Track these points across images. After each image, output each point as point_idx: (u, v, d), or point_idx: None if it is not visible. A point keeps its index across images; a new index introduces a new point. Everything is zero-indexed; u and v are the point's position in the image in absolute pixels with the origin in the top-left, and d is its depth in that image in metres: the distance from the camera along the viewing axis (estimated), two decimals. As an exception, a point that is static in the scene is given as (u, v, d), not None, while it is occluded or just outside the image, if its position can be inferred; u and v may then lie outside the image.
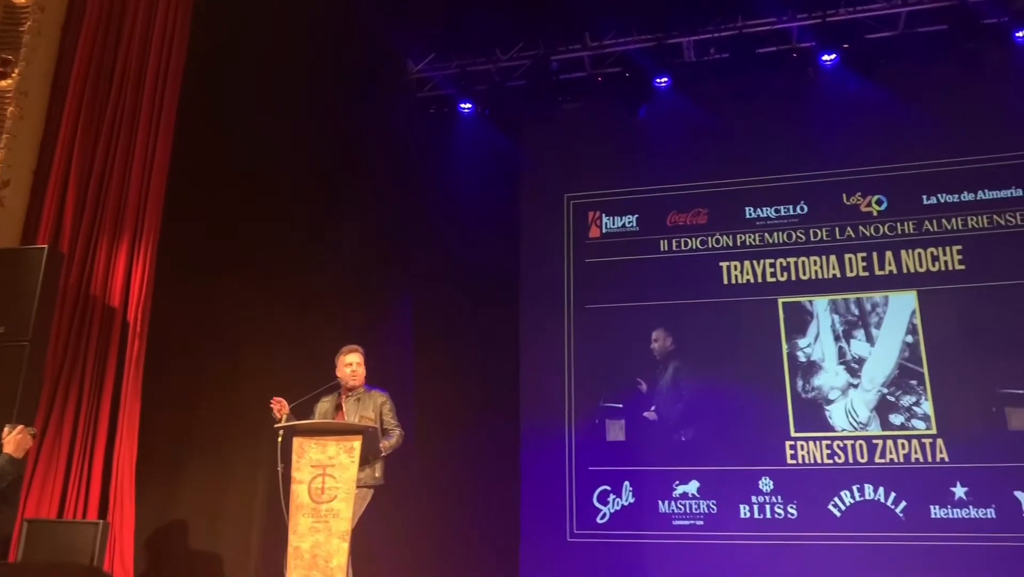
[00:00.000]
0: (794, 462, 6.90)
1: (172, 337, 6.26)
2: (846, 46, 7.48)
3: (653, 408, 7.37)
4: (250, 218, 6.72)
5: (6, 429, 4.17)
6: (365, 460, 4.69)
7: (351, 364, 5.03)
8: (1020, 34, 7.15)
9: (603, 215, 7.89)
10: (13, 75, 6.17)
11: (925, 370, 6.93)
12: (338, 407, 5.06)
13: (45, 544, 4.92)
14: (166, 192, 6.23)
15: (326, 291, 6.85)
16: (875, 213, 7.40)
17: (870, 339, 7.14)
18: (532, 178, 8.19)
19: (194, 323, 6.47)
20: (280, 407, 4.78)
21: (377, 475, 4.93)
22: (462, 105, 8.28)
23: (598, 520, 7.14)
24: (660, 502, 7.06)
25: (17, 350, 5.19)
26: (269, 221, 6.76)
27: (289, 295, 6.71)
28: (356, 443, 4.50)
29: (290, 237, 6.83)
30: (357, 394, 5.05)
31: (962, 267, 7.06)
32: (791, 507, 6.84)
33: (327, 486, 4.43)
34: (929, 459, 6.70)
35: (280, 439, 4.58)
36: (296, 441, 4.58)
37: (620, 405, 7.39)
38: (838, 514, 6.79)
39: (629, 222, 7.82)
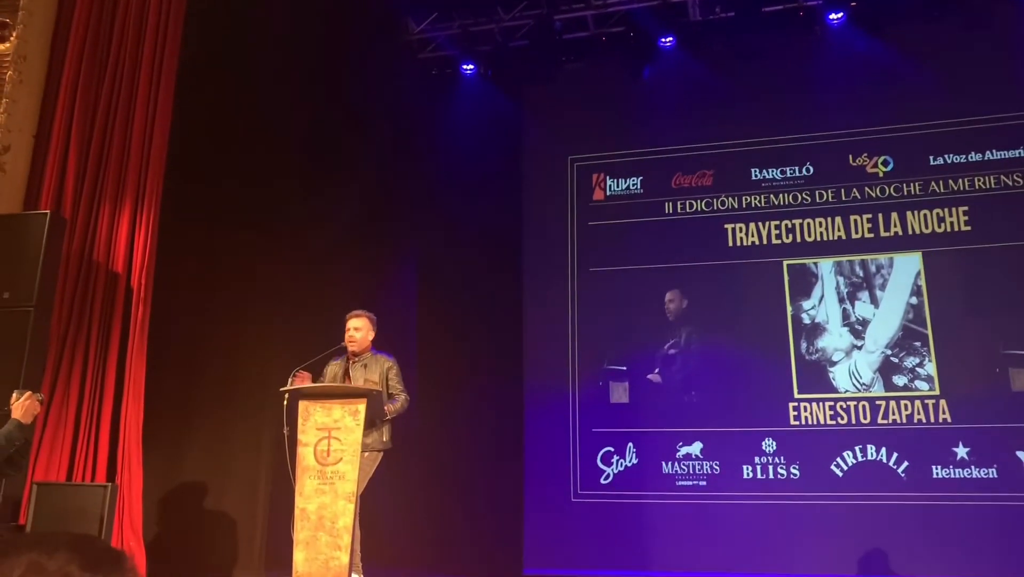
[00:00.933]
0: (797, 423, 6.93)
1: (176, 300, 6.27)
2: (853, 4, 7.39)
3: (657, 370, 7.40)
4: (252, 180, 6.67)
5: (14, 395, 4.19)
6: (371, 423, 4.71)
7: (350, 329, 5.05)
8: (1030, -9, 7.03)
9: (607, 177, 7.85)
10: (11, 39, 6.13)
11: (929, 332, 6.93)
12: (346, 372, 5.08)
13: (54, 507, 4.97)
14: (167, 154, 6.20)
15: (329, 254, 6.83)
16: (881, 174, 7.35)
17: (874, 301, 7.14)
18: (535, 140, 8.13)
19: (198, 285, 6.48)
20: (301, 380, 4.78)
21: (385, 439, 4.95)
22: (464, 66, 8.20)
23: (602, 481, 7.20)
24: (663, 463, 7.10)
25: (22, 316, 5.22)
26: (271, 183, 6.69)
27: (292, 258, 6.68)
28: (360, 406, 4.51)
29: (292, 200, 6.77)
30: (364, 359, 5.06)
31: (968, 228, 7.03)
32: (794, 468, 6.89)
33: (332, 448, 4.45)
34: (932, 420, 6.74)
35: (286, 402, 4.57)
36: (301, 404, 4.59)
37: (624, 368, 7.41)
38: (840, 474, 6.83)
39: (633, 184, 7.78)
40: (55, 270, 5.58)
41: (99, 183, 6.13)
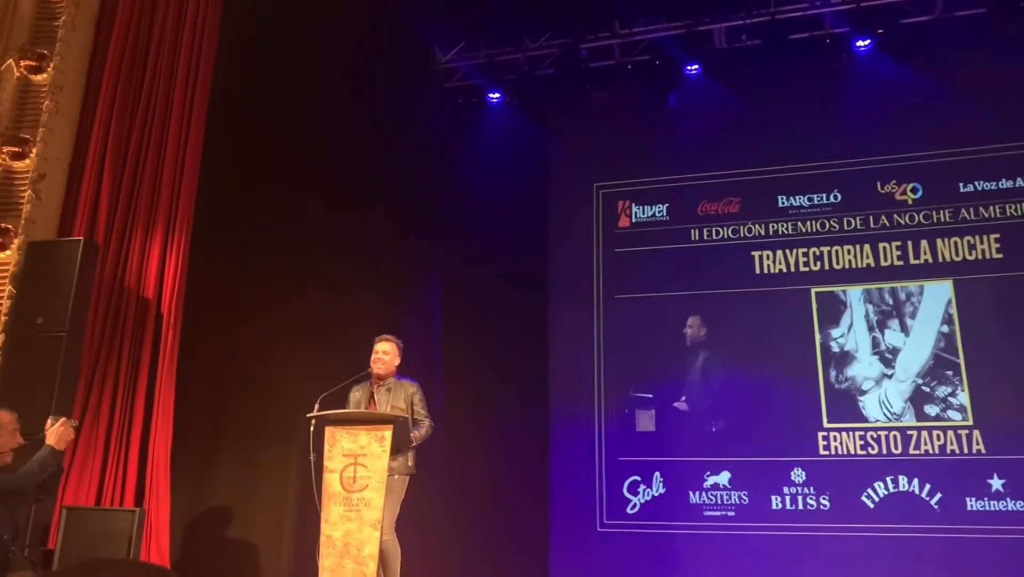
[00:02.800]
0: (827, 453, 6.83)
1: (205, 326, 6.29)
2: (881, 31, 7.33)
3: (684, 398, 7.32)
4: (281, 207, 6.76)
5: (49, 421, 4.24)
6: (397, 449, 4.70)
7: (378, 352, 5.03)
8: (1061, 17, 6.96)
9: (633, 204, 7.84)
10: (49, 69, 6.25)
11: (961, 360, 6.82)
12: (371, 397, 5.06)
13: (84, 531, 4.99)
14: (199, 182, 6.27)
15: (356, 280, 6.85)
16: (910, 201, 7.28)
17: (905, 329, 7.05)
18: (561, 167, 8.13)
19: (227, 311, 6.52)
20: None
21: (410, 464, 4.94)
22: (490, 95, 8.23)
23: (628, 510, 7.13)
24: (691, 493, 7.02)
25: (55, 341, 5.31)
26: (299, 210, 6.78)
27: (320, 284, 6.72)
28: (387, 432, 4.50)
29: (321, 226, 6.83)
30: (388, 384, 5.04)
31: (1000, 256, 6.93)
32: (823, 498, 6.78)
33: (359, 475, 4.44)
34: (965, 450, 6.61)
35: (312, 428, 4.56)
36: (328, 430, 4.58)
37: (650, 395, 7.35)
38: (871, 506, 6.72)
39: (659, 211, 7.76)
40: (88, 296, 5.69)
41: (131, 210, 6.22)
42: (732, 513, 6.88)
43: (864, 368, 7.06)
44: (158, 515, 5.58)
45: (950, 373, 6.85)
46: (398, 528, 4.86)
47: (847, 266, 7.21)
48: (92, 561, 0.92)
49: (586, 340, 7.59)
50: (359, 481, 4.42)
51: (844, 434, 6.86)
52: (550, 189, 8.04)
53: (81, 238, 5.72)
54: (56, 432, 4.16)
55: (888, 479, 6.71)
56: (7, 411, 4.15)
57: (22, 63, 6.23)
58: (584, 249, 7.80)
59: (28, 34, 6.33)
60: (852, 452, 6.79)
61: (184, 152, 6.25)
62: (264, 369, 6.49)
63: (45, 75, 6.24)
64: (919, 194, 7.25)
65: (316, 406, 4.67)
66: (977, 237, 7.02)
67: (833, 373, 7.07)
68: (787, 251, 7.32)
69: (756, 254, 7.46)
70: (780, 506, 6.81)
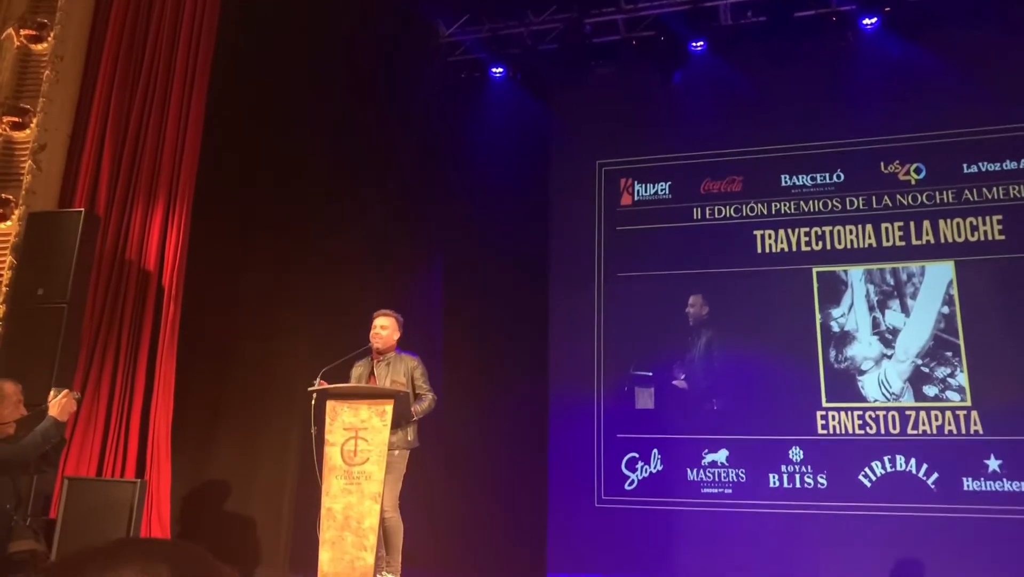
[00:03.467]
0: (825, 432, 6.83)
1: (206, 299, 6.28)
2: (888, 9, 7.26)
3: (683, 377, 7.33)
4: (281, 181, 6.68)
5: (51, 392, 4.24)
6: (397, 424, 4.69)
7: (376, 326, 5.02)
8: (1070, -3, 6.89)
9: (635, 182, 7.79)
10: (49, 39, 6.18)
11: (961, 341, 6.83)
12: (371, 372, 5.06)
13: (85, 501, 5.03)
14: (200, 154, 6.24)
15: (356, 254, 6.80)
16: (913, 182, 7.24)
17: (905, 309, 7.04)
18: (564, 144, 8.07)
19: (228, 285, 6.50)
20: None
21: (410, 438, 4.93)
22: (493, 69, 8.14)
23: (626, 487, 7.15)
24: (689, 470, 7.04)
25: (56, 312, 5.32)
26: (300, 184, 6.68)
27: (320, 258, 6.64)
28: (388, 407, 4.51)
29: (320, 201, 6.74)
30: (388, 358, 5.03)
31: (1002, 237, 6.91)
32: (821, 477, 6.79)
33: (359, 449, 4.45)
34: (963, 431, 6.62)
35: (313, 402, 4.57)
36: (329, 404, 4.59)
37: (650, 373, 7.34)
38: (868, 485, 6.74)
39: (662, 189, 7.72)
40: (88, 268, 5.67)
41: (132, 182, 6.18)
42: (729, 491, 6.90)
43: (864, 348, 7.06)
44: (159, 487, 5.58)
45: (949, 354, 6.86)
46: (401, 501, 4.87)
47: (849, 246, 7.18)
48: (119, 541, 0.93)
49: (587, 318, 7.57)
50: (360, 454, 4.45)
51: (843, 413, 6.86)
52: (552, 166, 7.98)
53: (82, 209, 5.70)
54: (59, 404, 4.17)
55: (886, 459, 6.73)
56: (11, 382, 4.17)
57: (22, 32, 6.17)
58: (586, 227, 7.76)
59: (28, 2, 6.29)
60: (850, 431, 6.80)
61: (185, 126, 6.21)
62: (265, 345, 6.45)
63: (45, 44, 6.18)
64: (922, 174, 7.21)
65: (317, 380, 4.68)
66: (980, 218, 6.99)
67: (833, 353, 7.07)
68: (789, 230, 7.29)
69: (758, 233, 7.42)
70: (777, 484, 6.82)
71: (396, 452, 4.74)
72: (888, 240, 7.15)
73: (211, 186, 6.32)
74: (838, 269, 7.18)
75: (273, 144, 6.68)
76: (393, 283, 6.78)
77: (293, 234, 6.59)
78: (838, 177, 7.37)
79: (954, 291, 6.94)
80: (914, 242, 7.10)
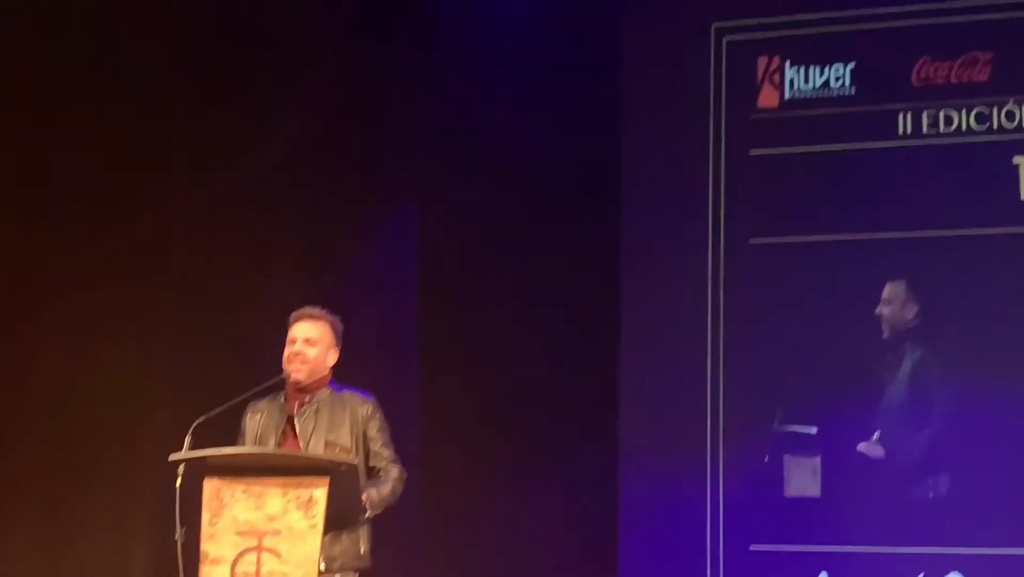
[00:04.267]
0: None
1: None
2: None
3: (877, 435, 4.81)
4: (105, 81, 4.98)
5: None
6: (339, 522, 3.43)
7: (297, 340, 3.74)
8: None
9: (786, 64, 5.06)
10: None
11: None
12: (286, 425, 3.77)
13: None
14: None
15: (258, 212, 5.06)
16: None
17: None
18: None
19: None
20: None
21: (362, 550, 3.69)
22: None
23: (771, 648, 4.92)
24: (890, 615, 4.73)
25: None
26: (145, 85, 5.02)
27: (185, 223, 5.02)
28: (319, 491, 3.29)
29: (188, 116, 5.09)
30: (318, 401, 3.77)
31: None
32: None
33: (267, 569, 3.25)
34: None
35: (179, 481, 3.30)
36: (209, 486, 3.36)
37: (813, 430, 4.88)
38: None
39: (838, 77, 4.97)
40: None
41: None
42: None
43: None
44: None
45: None
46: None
47: None
48: None
49: (690, 323, 5.03)
50: None
51: None
52: (627, 39, 5.33)
53: None
54: None
55: None
56: None
57: None
58: (690, 152, 5.09)
59: None
60: None
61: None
62: (79, 380, 4.91)
63: None
64: None
65: (186, 441, 3.44)
66: None
67: None
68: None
69: (1022, 162, 4.72)
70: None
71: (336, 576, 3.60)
72: None
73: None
74: None
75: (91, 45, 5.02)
76: (323, 258, 5.17)
77: (131, 176, 4.99)
78: None
79: None
80: None
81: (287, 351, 3.69)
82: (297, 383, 3.69)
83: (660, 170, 5.10)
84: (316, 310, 3.78)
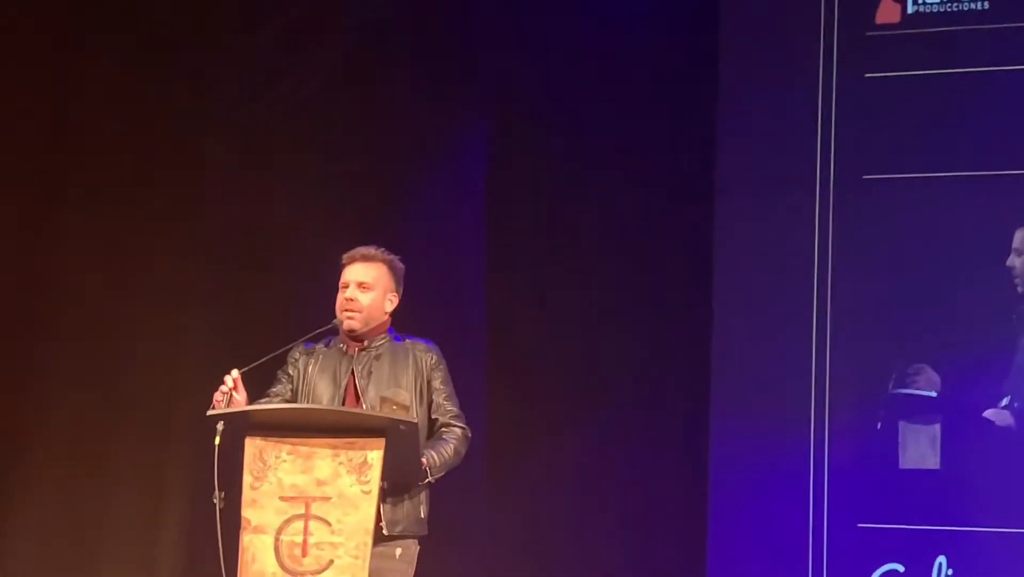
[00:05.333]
0: None
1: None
2: None
3: (1006, 400, 4.25)
4: None
5: None
6: (398, 486, 3.20)
7: (350, 285, 3.32)
8: None
9: None
10: None
11: None
12: (344, 375, 3.39)
13: None
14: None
15: (301, 133, 4.54)
16: None
17: None
18: None
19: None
20: (227, 395, 3.21)
21: (422, 515, 3.37)
22: None
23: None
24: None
25: None
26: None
27: (223, 152, 4.56)
28: (373, 453, 3.04)
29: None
30: (376, 349, 3.37)
31: None
32: None
33: (315, 540, 3.05)
34: None
35: (218, 440, 3.01)
36: (252, 446, 3.10)
37: (932, 393, 4.31)
38: None
39: None
40: None
41: None
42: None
43: None
44: None
45: None
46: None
47: None
48: None
49: (793, 271, 4.47)
50: (315, 552, 3.04)
51: None
52: None
53: None
54: None
55: None
56: None
57: None
58: (797, 73, 4.49)
59: None
60: None
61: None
62: (120, 327, 4.61)
63: None
64: None
65: (225, 392, 3.21)
66: None
67: None
68: None
69: None
70: None
71: (397, 548, 3.28)
72: None
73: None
74: None
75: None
76: (378, 194, 4.66)
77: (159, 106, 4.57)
78: None
79: None
80: None
81: (340, 296, 3.37)
82: (351, 331, 3.36)
83: (762, 95, 4.50)
84: (371, 250, 3.43)
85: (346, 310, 3.34)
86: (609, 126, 4.46)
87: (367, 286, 3.36)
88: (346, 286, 3.35)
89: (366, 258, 3.41)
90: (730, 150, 4.50)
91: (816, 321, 4.37)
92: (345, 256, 3.37)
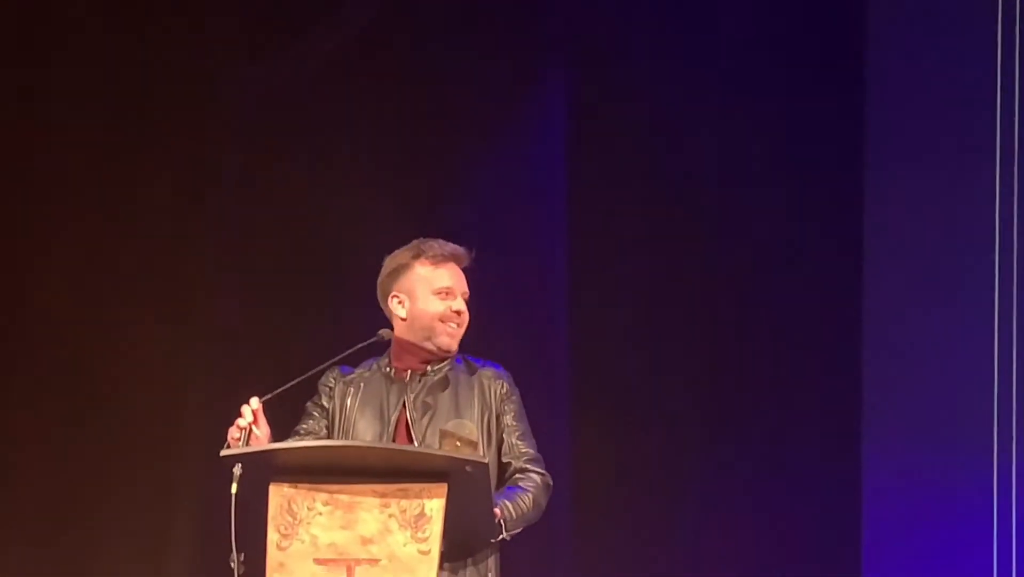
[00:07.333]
0: None
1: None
2: None
3: None
4: None
5: None
6: (459, 546, 2.80)
7: (456, 293, 2.98)
8: None
9: None
10: None
11: None
12: (395, 404, 2.97)
13: None
14: None
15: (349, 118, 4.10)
16: None
17: None
18: None
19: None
20: (245, 430, 2.80)
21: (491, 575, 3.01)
22: None
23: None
24: None
25: None
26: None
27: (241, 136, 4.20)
28: (433, 503, 2.71)
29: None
30: (440, 370, 3.01)
31: None
32: None
33: None
34: None
35: (235, 487, 2.62)
36: (278, 494, 2.75)
37: None
38: None
39: None
40: None
41: None
42: None
43: None
44: None
45: None
46: None
47: None
48: None
49: (963, 249, 3.85)
50: None
51: None
52: None
53: None
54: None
55: None
56: None
57: None
58: (966, 34, 3.85)
59: None
60: None
61: None
62: (103, 341, 4.29)
63: None
64: None
65: (237, 432, 2.86)
66: None
67: None
68: None
69: None
70: None
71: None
72: None
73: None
74: None
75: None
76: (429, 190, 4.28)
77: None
78: None
79: None
80: None
81: (441, 305, 2.93)
82: (448, 351, 2.97)
83: (921, 33, 3.74)
84: (464, 251, 2.99)
85: (453, 323, 2.93)
86: (727, 79, 3.80)
87: (467, 297, 2.96)
88: (451, 293, 2.91)
89: (463, 261, 2.96)
90: (882, 107, 3.75)
91: (998, 314, 3.61)
92: (435, 249, 2.89)
